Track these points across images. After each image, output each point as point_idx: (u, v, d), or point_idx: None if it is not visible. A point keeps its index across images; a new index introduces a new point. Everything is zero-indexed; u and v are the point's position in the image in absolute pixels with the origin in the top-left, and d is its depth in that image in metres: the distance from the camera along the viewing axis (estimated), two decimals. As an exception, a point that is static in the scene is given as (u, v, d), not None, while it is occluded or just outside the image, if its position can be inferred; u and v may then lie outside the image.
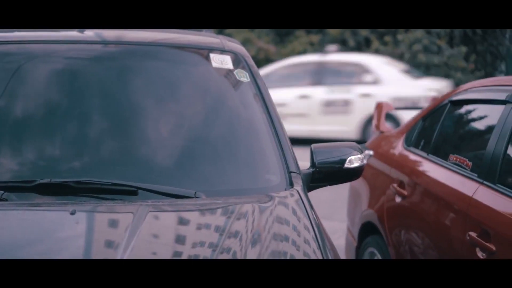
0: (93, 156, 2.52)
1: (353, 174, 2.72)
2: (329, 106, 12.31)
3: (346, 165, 2.68)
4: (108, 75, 2.77)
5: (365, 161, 2.76)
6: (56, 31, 2.93)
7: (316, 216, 2.35)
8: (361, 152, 2.74)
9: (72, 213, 2.16)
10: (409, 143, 3.99)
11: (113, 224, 2.24)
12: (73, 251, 1.99)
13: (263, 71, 12.62)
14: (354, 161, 2.69)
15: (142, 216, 2.14)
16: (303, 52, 16.47)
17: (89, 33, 2.93)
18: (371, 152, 4.31)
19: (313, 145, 2.73)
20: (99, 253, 2.01)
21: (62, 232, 2.12)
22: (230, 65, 2.86)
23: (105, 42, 2.95)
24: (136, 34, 2.99)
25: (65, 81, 2.73)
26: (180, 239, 2.14)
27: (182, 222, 2.26)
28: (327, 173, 2.69)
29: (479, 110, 3.53)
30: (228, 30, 14.80)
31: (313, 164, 2.68)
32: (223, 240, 2.06)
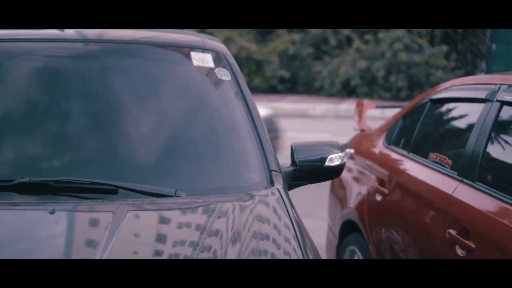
0: (73, 155, 2.51)
1: (333, 172, 2.72)
2: None
3: (326, 164, 2.68)
4: (89, 74, 2.76)
5: (345, 159, 2.76)
6: (37, 30, 2.91)
7: (296, 214, 2.35)
8: (342, 150, 2.74)
9: (52, 213, 2.15)
10: (389, 141, 4.00)
11: (93, 223, 2.23)
12: (52, 250, 1.98)
13: None
14: (334, 159, 2.69)
15: (122, 215, 2.13)
16: (285, 50, 16.47)
17: (70, 32, 2.91)
18: (352, 151, 4.32)
19: (293, 144, 2.73)
20: (79, 252, 2.00)
21: (42, 231, 2.11)
22: (211, 64, 2.86)
23: (86, 41, 2.93)
24: (117, 32, 2.98)
25: (46, 79, 2.71)
26: (160, 238, 2.14)
27: (163, 221, 2.26)
28: (307, 172, 2.68)
29: (459, 108, 3.55)
30: (209, 29, 14.77)
31: (293, 163, 2.68)
32: (203, 239, 2.06)
